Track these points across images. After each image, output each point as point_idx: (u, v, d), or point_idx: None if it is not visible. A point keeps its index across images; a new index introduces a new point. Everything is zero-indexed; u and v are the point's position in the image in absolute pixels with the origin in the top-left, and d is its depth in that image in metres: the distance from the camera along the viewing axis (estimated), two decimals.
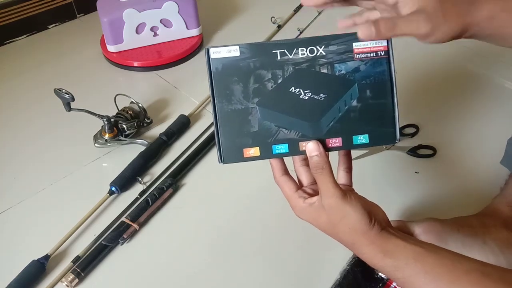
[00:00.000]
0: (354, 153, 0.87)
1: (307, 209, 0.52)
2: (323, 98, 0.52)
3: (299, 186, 0.56)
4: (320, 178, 0.50)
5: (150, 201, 0.81)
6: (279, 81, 0.53)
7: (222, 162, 0.53)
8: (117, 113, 0.94)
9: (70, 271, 0.71)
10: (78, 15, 1.36)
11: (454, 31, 0.48)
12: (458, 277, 0.44)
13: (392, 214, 0.80)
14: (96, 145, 0.93)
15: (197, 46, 1.21)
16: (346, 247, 0.52)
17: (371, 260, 0.49)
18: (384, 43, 0.54)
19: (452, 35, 0.48)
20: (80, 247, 0.76)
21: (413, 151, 0.91)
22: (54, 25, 1.33)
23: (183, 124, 0.98)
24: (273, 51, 0.52)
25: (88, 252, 0.75)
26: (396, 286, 0.69)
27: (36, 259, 0.73)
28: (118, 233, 0.76)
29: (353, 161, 0.58)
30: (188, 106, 1.03)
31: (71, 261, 0.74)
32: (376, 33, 0.46)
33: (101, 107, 0.92)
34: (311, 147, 0.51)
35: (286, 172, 0.56)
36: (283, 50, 0.52)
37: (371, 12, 0.57)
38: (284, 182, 0.55)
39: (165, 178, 0.87)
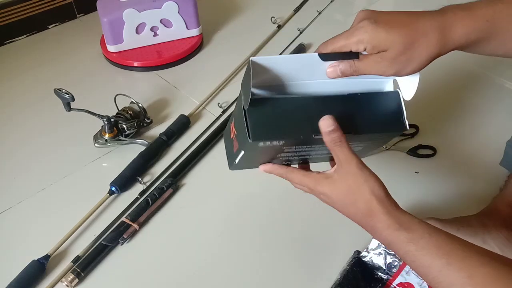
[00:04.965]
0: None
1: (324, 182, 0.53)
2: None
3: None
4: (339, 150, 0.51)
5: (150, 201, 0.81)
6: None
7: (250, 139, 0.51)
8: (117, 113, 0.94)
9: (70, 271, 0.71)
10: (78, 15, 1.36)
11: (424, 65, 0.51)
12: (469, 255, 0.45)
13: None
14: (96, 145, 0.93)
15: (197, 46, 1.21)
16: (360, 220, 0.52)
17: (385, 231, 0.49)
18: None
19: (423, 67, 0.52)
20: (80, 247, 0.76)
21: (413, 151, 0.91)
22: (54, 25, 1.33)
23: (183, 124, 0.98)
24: None
25: (88, 252, 0.75)
26: (396, 286, 0.69)
27: (36, 259, 0.73)
28: (118, 233, 0.76)
29: None
30: (188, 106, 1.03)
31: (71, 261, 0.74)
32: (341, 74, 0.52)
33: (101, 107, 0.92)
34: (327, 122, 0.50)
35: (288, 166, 0.58)
36: None
37: None
38: (292, 171, 0.56)
39: (165, 178, 0.87)
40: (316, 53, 0.52)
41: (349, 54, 0.52)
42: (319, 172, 0.55)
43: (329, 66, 0.52)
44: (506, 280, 0.43)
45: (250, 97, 0.50)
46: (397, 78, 0.57)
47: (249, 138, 0.50)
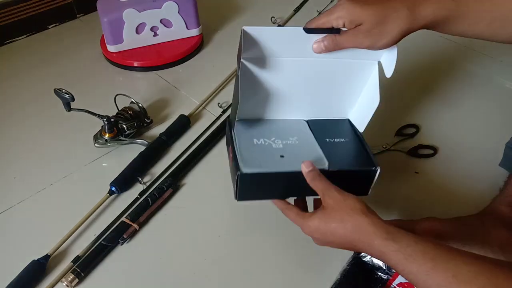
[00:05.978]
0: None
1: (314, 220, 0.58)
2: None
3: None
4: (320, 184, 0.58)
5: (150, 201, 0.81)
6: None
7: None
8: (117, 113, 0.94)
9: (70, 271, 0.71)
10: (78, 15, 1.36)
11: (396, 39, 0.58)
12: (453, 257, 0.48)
13: (392, 214, 0.80)
14: (96, 145, 0.93)
15: (197, 46, 1.21)
16: (352, 240, 0.54)
17: (374, 241, 0.52)
18: None
19: (395, 41, 0.58)
20: (80, 247, 0.76)
21: (413, 151, 0.91)
22: (54, 25, 1.33)
23: (183, 124, 0.98)
24: None
25: (88, 252, 0.75)
26: (396, 286, 0.69)
27: (36, 259, 0.73)
28: (118, 233, 0.76)
29: None
30: (188, 106, 1.04)
31: (71, 261, 0.74)
32: (325, 49, 0.60)
33: (101, 107, 0.92)
34: (306, 164, 0.60)
35: (288, 203, 0.64)
36: None
37: None
38: (289, 209, 0.62)
39: (165, 178, 0.87)
40: (302, 28, 0.59)
41: (331, 30, 0.59)
42: (309, 213, 0.60)
43: (314, 42, 0.60)
44: (488, 276, 0.45)
45: (241, 68, 0.60)
46: (381, 60, 0.64)
47: (236, 197, 0.64)
